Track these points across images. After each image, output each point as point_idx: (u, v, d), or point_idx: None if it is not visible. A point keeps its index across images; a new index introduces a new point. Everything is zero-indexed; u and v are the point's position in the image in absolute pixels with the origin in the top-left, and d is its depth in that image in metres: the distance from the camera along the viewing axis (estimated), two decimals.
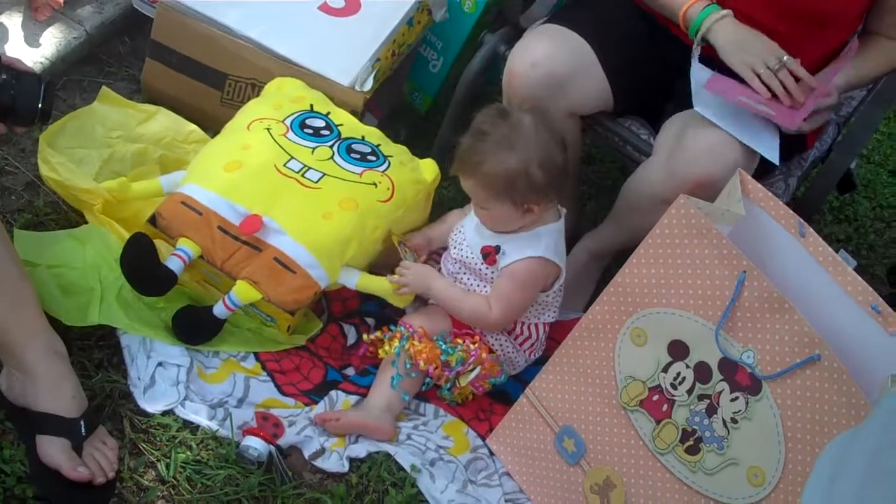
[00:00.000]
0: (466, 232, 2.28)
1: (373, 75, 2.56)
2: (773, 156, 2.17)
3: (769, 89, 2.14)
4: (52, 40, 2.67)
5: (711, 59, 2.21)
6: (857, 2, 2.25)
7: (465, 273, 2.28)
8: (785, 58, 2.15)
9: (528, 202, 2.14)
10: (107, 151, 2.39)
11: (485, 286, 2.25)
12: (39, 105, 1.93)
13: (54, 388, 1.91)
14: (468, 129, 2.18)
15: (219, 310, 2.14)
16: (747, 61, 2.15)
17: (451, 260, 2.31)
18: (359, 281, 2.24)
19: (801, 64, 2.17)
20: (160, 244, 2.15)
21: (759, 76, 2.14)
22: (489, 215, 2.19)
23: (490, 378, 2.25)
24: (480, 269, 2.24)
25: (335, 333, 2.33)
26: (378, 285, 2.24)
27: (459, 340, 2.23)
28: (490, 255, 2.22)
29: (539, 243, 2.19)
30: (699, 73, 2.19)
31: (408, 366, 2.17)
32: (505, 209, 2.15)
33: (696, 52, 2.22)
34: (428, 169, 2.43)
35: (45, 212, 2.34)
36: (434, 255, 2.41)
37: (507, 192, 2.11)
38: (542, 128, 2.13)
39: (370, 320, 2.38)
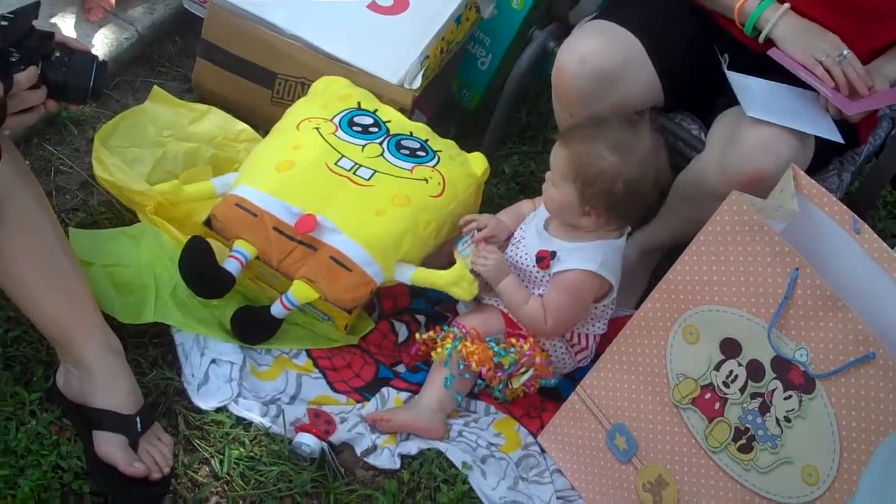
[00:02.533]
0: (527, 232, 2.28)
1: (421, 73, 2.56)
2: (836, 136, 2.17)
3: (832, 78, 2.13)
4: (105, 41, 2.70)
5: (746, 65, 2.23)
6: None
7: (515, 273, 2.27)
8: (845, 51, 2.14)
9: (593, 206, 2.14)
10: (159, 151, 2.42)
11: (533, 289, 2.24)
12: (91, 83, 1.94)
13: (111, 385, 1.93)
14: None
15: (277, 310, 2.15)
16: (810, 51, 2.15)
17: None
18: (414, 275, 2.23)
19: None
20: (216, 245, 2.16)
21: (822, 63, 2.13)
22: (554, 195, 2.18)
23: (541, 379, 2.24)
24: (531, 272, 2.23)
25: (386, 331, 2.34)
26: (434, 278, 2.23)
27: (513, 341, 2.22)
28: (545, 259, 2.20)
29: (596, 257, 2.17)
30: (737, 80, 2.19)
31: (461, 367, 2.17)
32: (570, 197, 2.14)
33: (725, 61, 2.23)
34: (477, 162, 2.44)
35: (99, 211, 2.37)
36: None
37: (582, 183, 2.11)
38: (655, 153, 2.14)
39: (421, 317, 2.39)
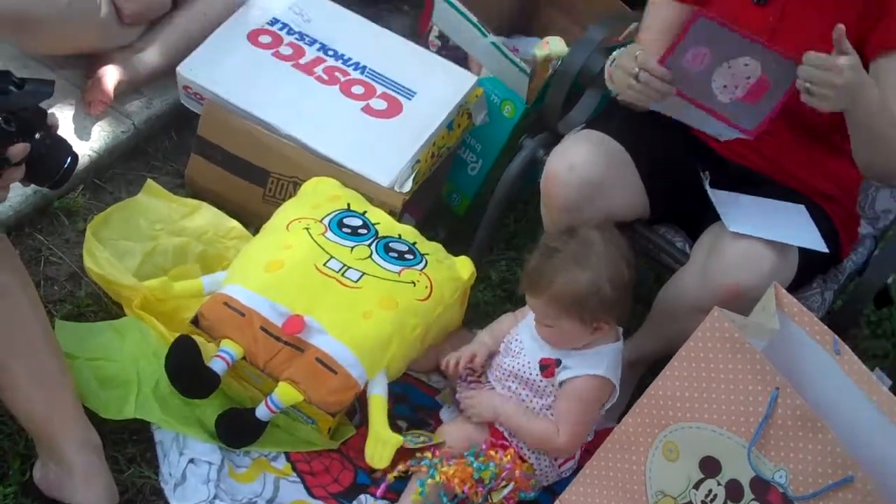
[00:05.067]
0: (524, 341, 2.27)
1: (412, 177, 2.60)
2: (821, 246, 2.19)
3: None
4: (101, 133, 2.74)
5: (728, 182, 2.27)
6: None
7: (515, 383, 2.27)
8: (637, 54, 2.14)
9: (598, 320, 2.15)
10: (149, 244, 2.44)
11: (538, 399, 2.24)
12: (59, 174, 1.98)
13: (88, 482, 1.93)
14: (537, 247, 2.19)
15: (262, 412, 2.15)
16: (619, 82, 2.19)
17: (501, 369, 2.29)
18: (373, 396, 2.21)
19: None
20: (202, 342, 2.17)
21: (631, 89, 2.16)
22: (555, 333, 2.19)
23: (521, 492, 2.23)
24: (535, 382, 2.23)
25: (365, 435, 2.33)
26: (374, 420, 2.18)
27: (492, 453, 2.20)
28: (549, 367, 2.21)
29: (602, 362, 2.19)
30: (719, 196, 2.23)
31: (443, 497, 2.14)
32: (574, 327, 2.15)
33: (706, 178, 2.26)
34: (464, 267, 2.45)
35: (86, 303, 2.37)
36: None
37: (577, 309, 2.12)
38: (611, 244, 2.15)
39: (402, 423, 2.38)
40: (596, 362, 2.19)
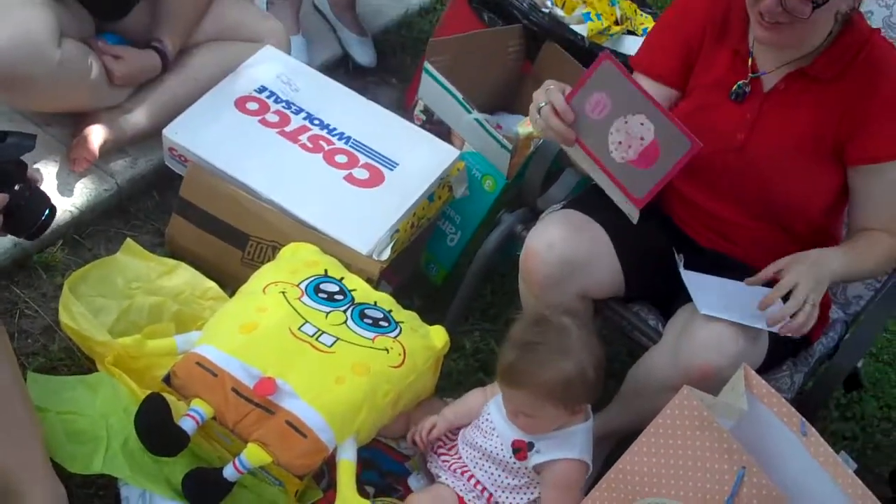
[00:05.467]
0: (495, 422, 2.27)
1: (391, 245, 2.62)
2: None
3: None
4: (84, 190, 2.76)
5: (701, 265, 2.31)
6: None
7: (488, 462, 2.27)
8: (549, 89, 2.16)
9: (580, 403, 2.17)
10: (126, 302, 2.44)
11: (511, 479, 2.24)
12: (35, 227, 2.00)
13: None
14: (510, 340, 2.18)
15: (229, 472, 2.13)
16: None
17: (473, 447, 2.29)
18: (341, 461, 2.20)
19: None
20: (172, 400, 2.17)
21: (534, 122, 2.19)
22: (534, 422, 2.18)
23: None
24: (508, 463, 2.23)
25: (333, 499, 2.32)
26: (341, 484, 2.17)
27: None
28: (521, 450, 2.21)
29: (574, 444, 2.19)
30: (692, 278, 2.26)
31: None
32: (556, 413, 2.15)
33: (680, 260, 2.29)
34: (438, 336, 2.46)
35: (58, 357, 2.38)
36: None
37: (563, 397, 2.13)
38: (584, 328, 2.16)
39: (370, 488, 2.38)
40: (570, 445, 2.19)
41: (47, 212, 2.00)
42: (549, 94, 2.15)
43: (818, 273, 2.15)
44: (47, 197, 2.02)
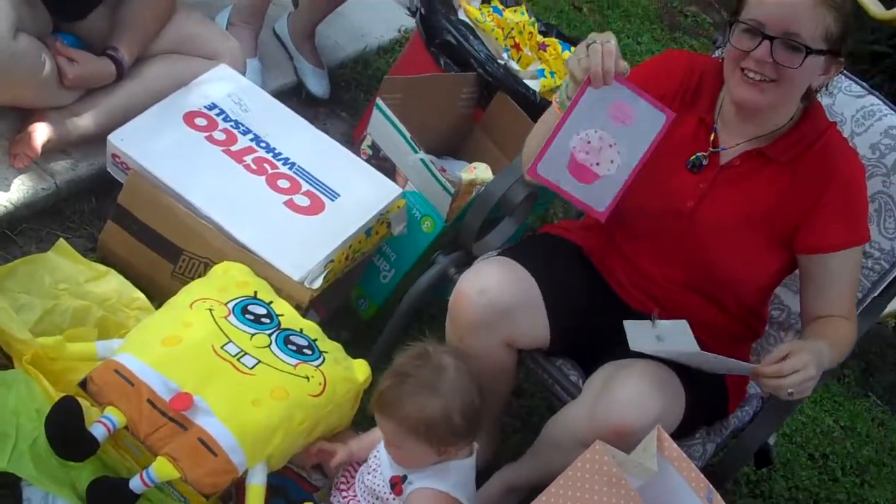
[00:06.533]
0: (382, 458, 2.28)
1: (323, 275, 2.62)
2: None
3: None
4: (21, 187, 2.72)
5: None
6: None
7: (373, 499, 2.28)
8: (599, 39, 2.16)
9: (446, 445, 2.17)
10: (50, 302, 2.42)
11: None
12: None
13: None
14: (391, 368, 2.21)
15: (135, 484, 2.11)
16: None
17: (363, 484, 2.31)
18: (251, 485, 2.19)
19: None
20: (86, 405, 2.14)
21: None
22: (402, 454, 2.20)
23: None
24: (388, 500, 2.24)
25: None
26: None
27: None
28: (397, 485, 2.22)
29: (447, 478, 2.20)
30: (631, 323, 2.28)
31: None
32: (422, 450, 2.16)
33: (655, 317, 2.33)
34: (360, 370, 2.47)
35: None
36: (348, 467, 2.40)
37: (426, 435, 2.13)
38: (464, 373, 2.17)
39: None
40: (442, 477, 2.19)
41: None
42: (604, 41, 2.14)
43: (820, 363, 2.14)
44: None
